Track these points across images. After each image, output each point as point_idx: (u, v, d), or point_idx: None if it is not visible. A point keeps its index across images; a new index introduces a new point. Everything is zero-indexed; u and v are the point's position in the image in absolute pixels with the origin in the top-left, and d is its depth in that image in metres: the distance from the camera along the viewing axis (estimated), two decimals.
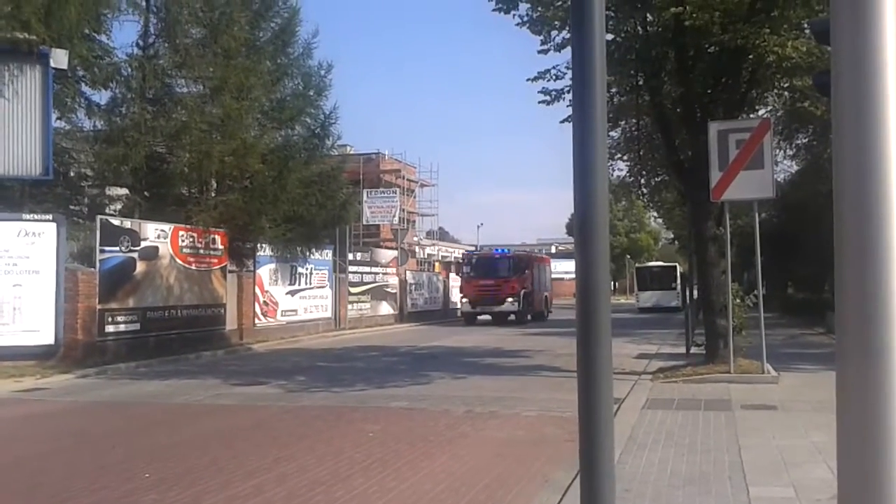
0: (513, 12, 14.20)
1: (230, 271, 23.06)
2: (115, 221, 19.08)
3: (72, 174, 20.77)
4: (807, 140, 26.59)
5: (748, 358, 13.41)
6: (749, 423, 9.07)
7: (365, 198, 43.10)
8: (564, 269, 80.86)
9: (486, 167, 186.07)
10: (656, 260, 67.93)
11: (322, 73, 24.71)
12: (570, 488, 6.15)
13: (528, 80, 14.68)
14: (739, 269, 33.79)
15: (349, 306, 31.38)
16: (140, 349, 18.41)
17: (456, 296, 40.43)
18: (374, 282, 34.39)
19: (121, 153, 19.16)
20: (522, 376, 15.00)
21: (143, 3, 20.86)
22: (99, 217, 18.48)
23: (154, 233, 19.58)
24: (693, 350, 16.45)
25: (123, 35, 57.62)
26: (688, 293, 24.00)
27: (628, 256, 79.57)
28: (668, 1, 12.86)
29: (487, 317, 36.11)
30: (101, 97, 20.57)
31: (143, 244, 19.16)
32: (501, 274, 36.50)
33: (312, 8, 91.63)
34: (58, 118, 18.75)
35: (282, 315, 26.28)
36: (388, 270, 36.23)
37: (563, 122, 15.31)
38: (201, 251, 21.28)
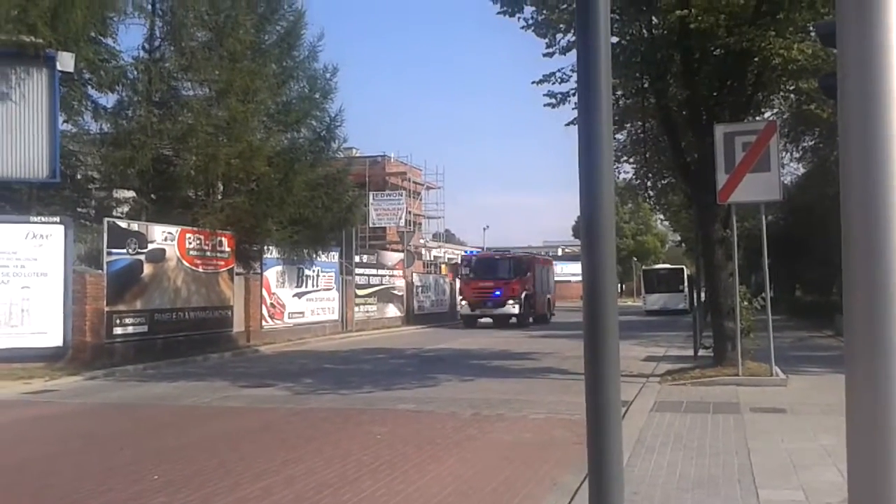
0: (518, 15, 14.18)
1: (237, 273, 23.11)
2: (123, 224, 19.15)
3: (79, 177, 20.83)
4: (813, 142, 26.50)
5: (756, 360, 13.37)
6: (758, 425, 9.05)
7: (371, 200, 43.14)
8: (571, 271, 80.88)
9: (492, 169, 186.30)
10: (663, 262, 67.81)
11: (328, 75, 24.81)
12: (579, 491, 6.14)
13: (533, 82, 14.67)
14: (747, 271, 33.66)
15: (356, 308, 31.41)
16: (148, 351, 18.46)
17: None
18: (381, 284, 34.41)
19: (127, 156, 19.23)
20: (530, 379, 14.98)
21: (149, 7, 20.93)
22: (106, 219, 18.54)
23: (161, 235, 19.64)
24: (701, 353, 16.40)
25: (129, 38, 57.77)
26: (695, 296, 23.96)
27: (635, 259, 79.45)
28: (674, 4, 12.85)
29: (488, 320, 35.18)
30: (108, 100, 20.69)
31: (151, 246, 19.21)
32: (502, 275, 35.47)
33: (318, 11, 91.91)
34: (65, 121, 18.84)
35: (289, 317, 26.32)
36: (395, 273, 36.25)
37: (568, 124, 15.31)
38: (208, 253, 21.33)
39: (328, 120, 24.96)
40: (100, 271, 18.17)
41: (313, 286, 27.98)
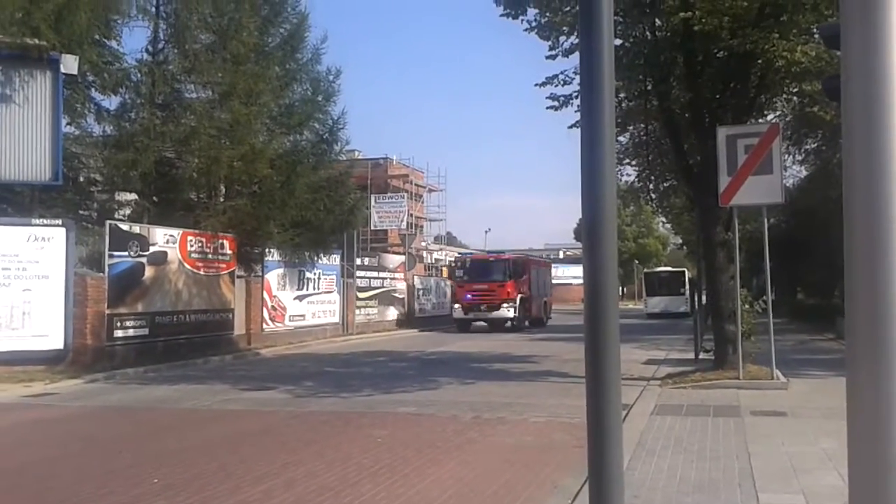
0: (521, 17, 14.21)
1: (238, 276, 23.12)
2: (124, 226, 19.15)
3: (81, 179, 20.87)
4: (816, 145, 26.49)
5: (757, 364, 13.36)
6: (759, 429, 9.03)
7: (373, 203, 43.13)
8: (572, 274, 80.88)
9: (494, 172, 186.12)
10: (665, 265, 67.80)
11: (330, 78, 24.82)
12: (579, 495, 6.14)
13: (536, 85, 14.70)
14: (748, 274, 33.66)
15: (357, 311, 31.41)
16: (148, 354, 18.45)
17: None
18: (382, 287, 34.41)
19: (130, 158, 19.24)
20: (530, 382, 14.98)
21: (153, 9, 20.99)
22: (108, 222, 18.56)
23: (163, 238, 19.64)
24: (702, 356, 16.40)
25: (133, 41, 57.78)
26: (696, 299, 23.95)
27: (636, 262, 79.42)
28: (677, 6, 12.86)
29: (483, 323, 34.34)
30: (111, 102, 20.75)
31: (152, 249, 19.21)
32: (497, 278, 34.41)
33: (320, 13, 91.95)
34: (68, 123, 18.88)
35: (290, 320, 26.32)
36: (396, 275, 36.24)
37: (571, 127, 15.32)
38: (210, 256, 21.34)
39: (331, 122, 25.01)
40: (101, 274, 18.18)
41: (314, 289, 27.98)
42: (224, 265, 22.00)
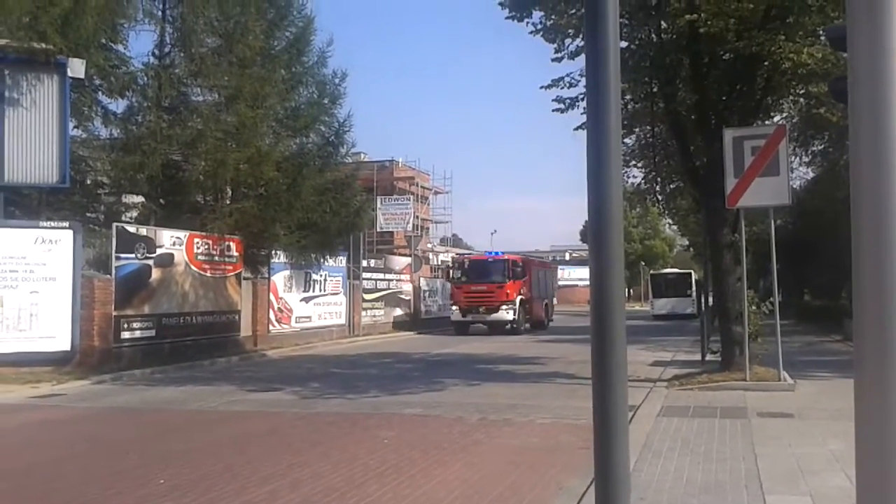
0: (526, 20, 14.20)
1: (245, 278, 23.16)
2: (131, 229, 19.20)
3: (88, 182, 20.92)
4: (822, 147, 26.41)
5: (764, 365, 13.33)
6: (765, 431, 9.01)
7: (379, 205, 43.15)
8: (578, 275, 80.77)
9: (500, 174, 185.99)
10: (671, 267, 67.61)
11: (336, 81, 24.87)
12: (585, 496, 6.13)
13: (541, 87, 14.69)
14: (755, 276, 33.60)
15: (363, 313, 31.43)
16: (155, 355, 18.49)
17: None
18: (388, 288, 34.41)
19: (137, 161, 19.29)
20: (536, 383, 14.97)
21: (159, 13, 21.04)
22: (115, 224, 18.60)
23: (169, 240, 19.69)
24: (708, 357, 16.37)
25: (139, 44, 58.26)
26: (703, 300, 23.89)
27: (643, 263, 79.23)
28: (683, 8, 12.84)
29: (483, 326, 33.36)
30: (118, 106, 20.77)
31: (159, 251, 19.26)
32: (496, 279, 33.13)
33: (326, 16, 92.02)
34: (75, 127, 18.93)
35: (296, 322, 26.35)
36: (402, 277, 36.25)
37: (577, 129, 15.29)
38: (216, 258, 21.38)
39: (336, 125, 25.04)
40: (108, 276, 18.23)
41: (321, 291, 28.02)
42: (230, 267, 22.04)
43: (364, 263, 32.02)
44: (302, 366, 19.28)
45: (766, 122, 15.08)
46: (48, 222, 16.91)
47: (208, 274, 21.05)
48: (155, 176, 19.90)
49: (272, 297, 24.90)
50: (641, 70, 14.39)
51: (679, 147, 15.30)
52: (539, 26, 14.18)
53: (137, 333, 18.50)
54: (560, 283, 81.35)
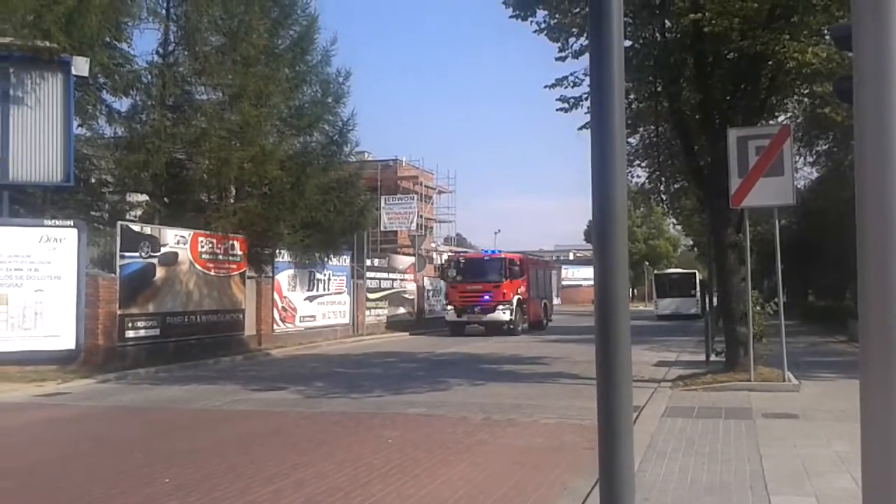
0: (530, 19, 14.19)
1: (249, 277, 23.19)
2: (136, 227, 19.24)
3: (93, 180, 20.96)
4: (827, 146, 26.39)
5: (769, 366, 13.30)
6: (770, 431, 8.99)
7: (383, 204, 43.17)
8: (582, 275, 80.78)
9: (504, 173, 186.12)
10: (675, 267, 67.58)
11: (340, 79, 24.86)
12: (590, 496, 6.12)
13: (546, 86, 14.67)
14: (759, 276, 33.50)
15: (367, 312, 31.44)
16: (159, 354, 18.53)
17: None
18: (392, 288, 34.42)
19: (141, 160, 19.33)
20: (541, 383, 14.96)
21: (163, 12, 21.07)
22: (119, 223, 18.65)
23: (174, 239, 19.72)
24: (713, 358, 16.33)
25: (144, 43, 58.20)
26: (707, 300, 23.89)
27: (647, 263, 79.21)
28: (687, 7, 12.82)
29: (479, 327, 32.23)
30: (122, 104, 20.84)
31: (163, 250, 19.30)
32: (492, 278, 32.04)
33: (330, 14, 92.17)
34: (79, 125, 18.95)
35: (300, 321, 26.38)
36: (406, 277, 36.25)
37: (581, 128, 15.29)
38: (220, 257, 21.41)
39: (340, 124, 25.06)
40: (112, 275, 18.27)
41: (325, 290, 28.04)
42: (235, 266, 22.07)
43: (368, 263, 32.01)
44: (306, 365, 19.29)
45: (771, 122, 15.05)
46: (53, 221, 16.94)
47: (212, 273, 21.08)
48: (159, 174, 19.94)
49: (276, 296, 24.92)
50: (645, 69, 14.37)
51: (683, 147, 15.28)
52: (543, 25, 14.16)
53: (142, 332, 18.54)
54: (564, 282, 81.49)
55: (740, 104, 14.23)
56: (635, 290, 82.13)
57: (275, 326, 24.78)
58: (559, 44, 14.16)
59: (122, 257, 18.09)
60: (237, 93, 20.91)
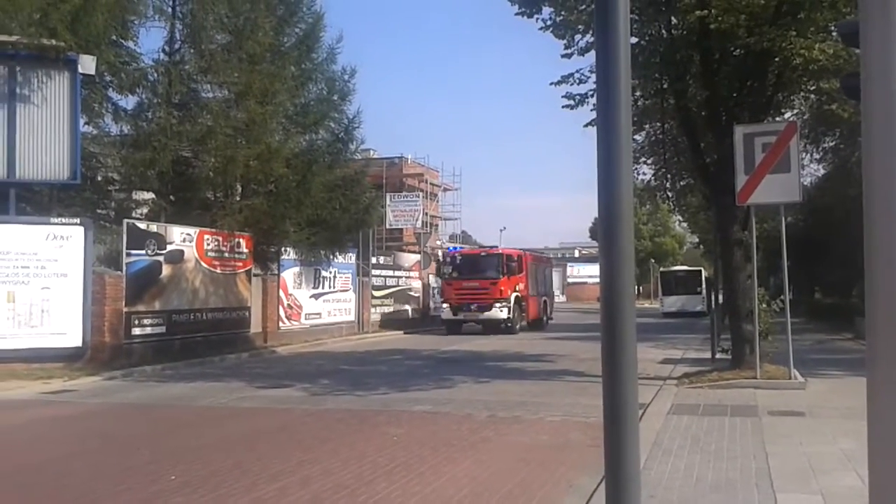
0: (536, 16, 14.17)
1: (255, 275, 23.22)
2: (142, 225, 19.28)
3: (99, 178, 21.00)
4: (834, 143, 26.29)
5: (775, 363, 13.27)
6: (776, 429, 8.98)
7: (388, 202, 43.17)
8: (588, 273, 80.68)
9: (510, 171, 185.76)
10: (681, 264, 67.48)
11: (346, 77, 24.93)
12: (595, 494, 6.12)
13: (551, 84, 14.64)
14: (765, 273, 33.48)
15: (372, 310, 31.47)
16: (166, 352, 18.57)
17: None
18: (397, 285, 34.44)
19: (147, 158, 19.36)
20: (546, 381, 14.95)
21: (169, 10, 21.09)
22: (126, 221, 18.69)
23: (180, 236, 19.76)
24: (719, 355, 16.30)
25: (150, 41, 58.05)
26: (713, 298, 23.84)
27: (653, 261, 79.06)
28: (693, 4, 12.78)
29: (476, 325, 31.31)
30: (128, 102, 20.85)
31: (169, 248, 19.33)
32: (489, 275, 30.99)
33: (335, 12, 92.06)
34: (85, 123, 19.00)
35: (306, 318, 26.42)
36: (411, 274, 36.27)
37: (587, 125, 15.23)
38: (226, 254, 21.44)
39: (346, 122, 25.11)
40: (119, 272, 18.31)
41: (330, 287, 28.07)
42: (240, 264, 22.11)
43: (373, 260, 32.02)
44: (311, 362, 19.32)
45: (777, 119, 15.00)
46: (59, 219, 17.00)
47: (218, 270, 21.12)
48: (165, 172, 19.98)
49: (282, 293, 24.96)
50: (652, 66, 14.34)
51: (689, 144, 15.24)
52: (549, 22, 14.14)
53: (148, 330, 18.59)
54: (569, 280, 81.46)
55: (747, 101, 14.19)
56: (641, 288, 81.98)
57: (280, 324, 24.81)
58: (565, 41, 14.13)
59: (129, 255, 18.13)
60: (243, 91, 20.93)
